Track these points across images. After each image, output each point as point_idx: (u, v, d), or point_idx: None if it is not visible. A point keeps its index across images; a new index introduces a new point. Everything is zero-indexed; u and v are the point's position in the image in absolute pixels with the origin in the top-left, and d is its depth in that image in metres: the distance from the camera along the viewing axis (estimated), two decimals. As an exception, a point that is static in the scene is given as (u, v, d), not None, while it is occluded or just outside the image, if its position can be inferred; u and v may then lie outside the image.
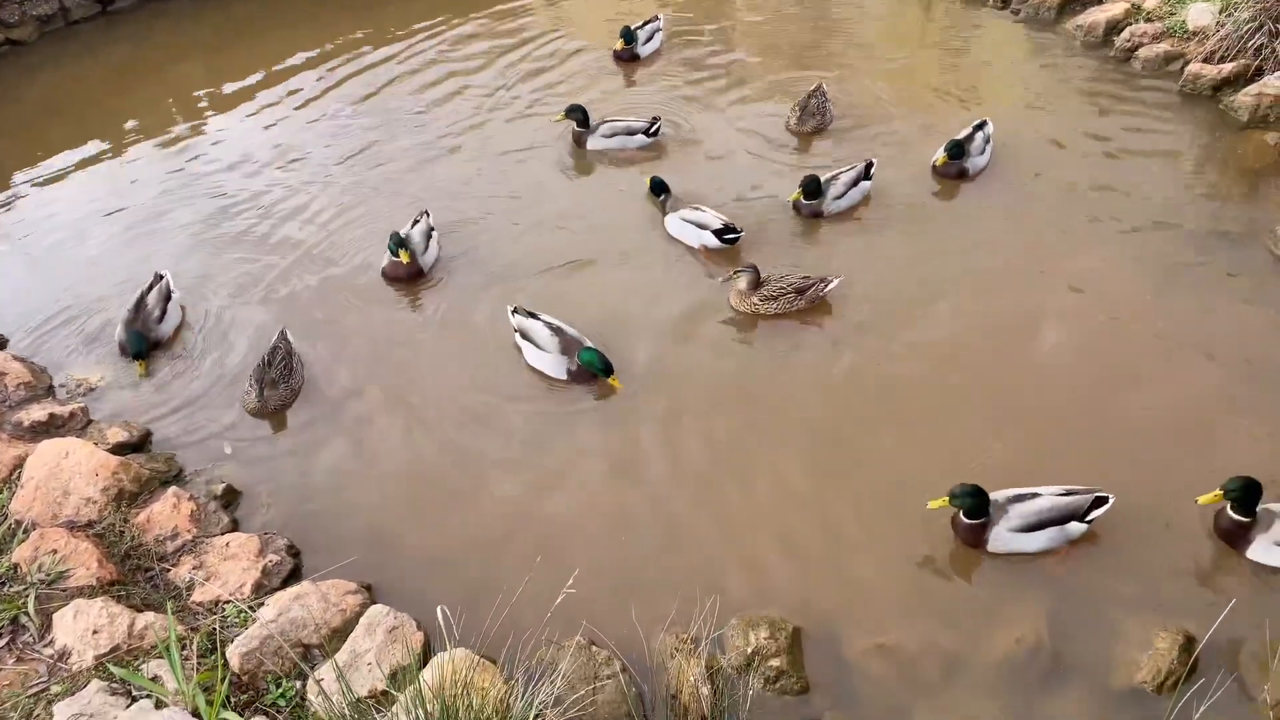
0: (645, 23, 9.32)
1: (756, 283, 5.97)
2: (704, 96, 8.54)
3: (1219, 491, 4.38)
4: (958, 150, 7.05)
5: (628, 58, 9.09)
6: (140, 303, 6.07)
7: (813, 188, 6.72)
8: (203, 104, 9.10)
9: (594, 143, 7.81)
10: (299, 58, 9.73)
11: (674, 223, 6.72)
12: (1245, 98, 7.60)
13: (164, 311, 6.12)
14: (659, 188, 6.95)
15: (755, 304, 5.95)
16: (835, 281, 5.99)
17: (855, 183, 6.89)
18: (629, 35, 9.05)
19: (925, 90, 8.45)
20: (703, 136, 7.95)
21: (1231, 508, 4.41)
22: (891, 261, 6.43)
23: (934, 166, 7.24)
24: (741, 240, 6.55)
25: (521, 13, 10.45)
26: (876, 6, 10.14)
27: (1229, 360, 5.44)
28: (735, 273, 5.98)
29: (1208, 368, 5.41)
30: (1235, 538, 4.42)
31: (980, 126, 7.33)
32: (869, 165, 7.00)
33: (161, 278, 6.26)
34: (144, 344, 5.88)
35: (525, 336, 5.68)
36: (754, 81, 8.72)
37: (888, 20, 9.87)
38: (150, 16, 10.67)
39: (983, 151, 7.20)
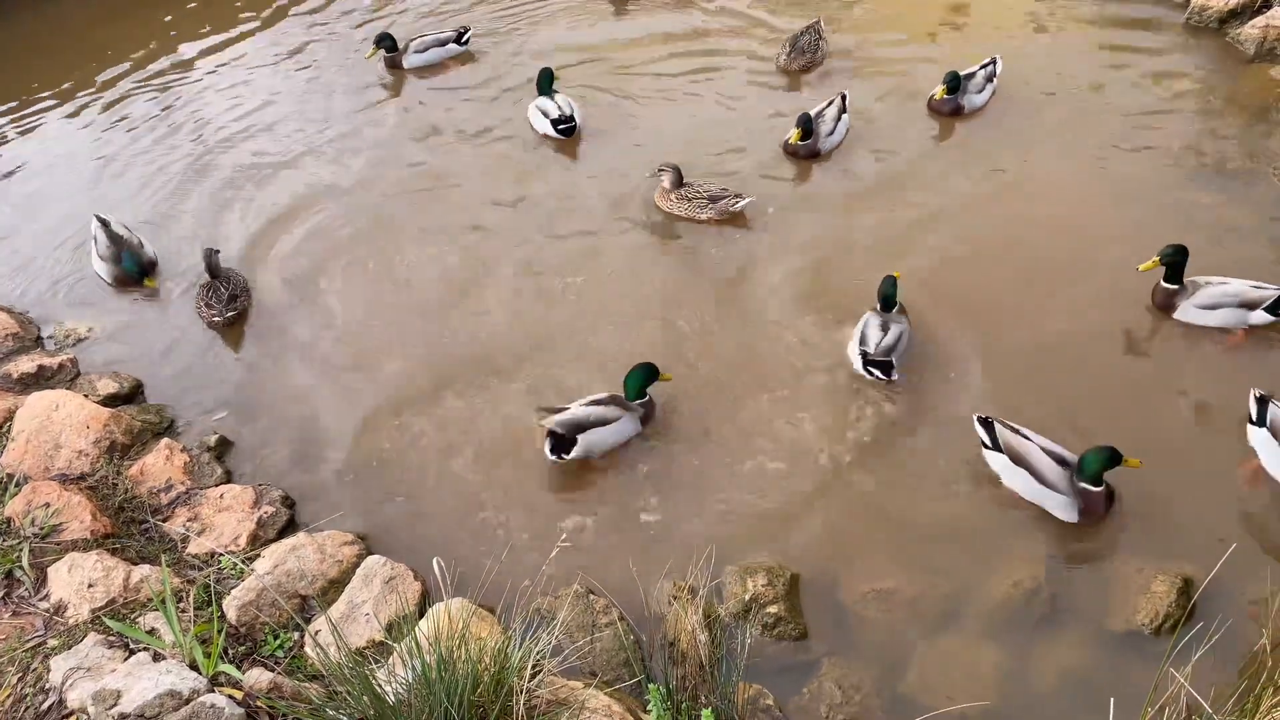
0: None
1: (679, 183, 6.29)
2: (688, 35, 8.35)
3: (1156, 258, 5.17)
4: (955, 83, 6.89)
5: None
6: (113, 236, 6.01)
7: (808, 126, 6.58)
8: (185, 44, 8.89)
9: (410, 60, 8.10)
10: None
11: (530, 110, 7.27)
12: (1252, 30, 7.42)
13: (141, 241, 6.12)
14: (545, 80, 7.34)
15: (672, 203, 6.31)
16: (748, 200, 6.22)
17: (839, 117, 6.79)
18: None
19: (927, 21, 8.25)
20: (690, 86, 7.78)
21: (1165, 277, 5.19)
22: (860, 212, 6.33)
23: (929, 102, 7.09)
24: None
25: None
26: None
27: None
28: (659, 169, 6.34)
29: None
30: (1167, 305, 5.22)
31: (988, 65, 7.14)
32: (843, 98, 6.92)
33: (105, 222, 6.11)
34: (141, 263, 5.95)
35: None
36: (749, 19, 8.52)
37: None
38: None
39: (981, 90, 7.03)
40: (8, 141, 7.70)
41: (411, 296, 5.85)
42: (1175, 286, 5.21)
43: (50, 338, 5.66)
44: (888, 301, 5.21)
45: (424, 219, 6.46)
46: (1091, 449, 4.27)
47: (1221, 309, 5.13)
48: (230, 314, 5.70)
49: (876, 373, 4.99)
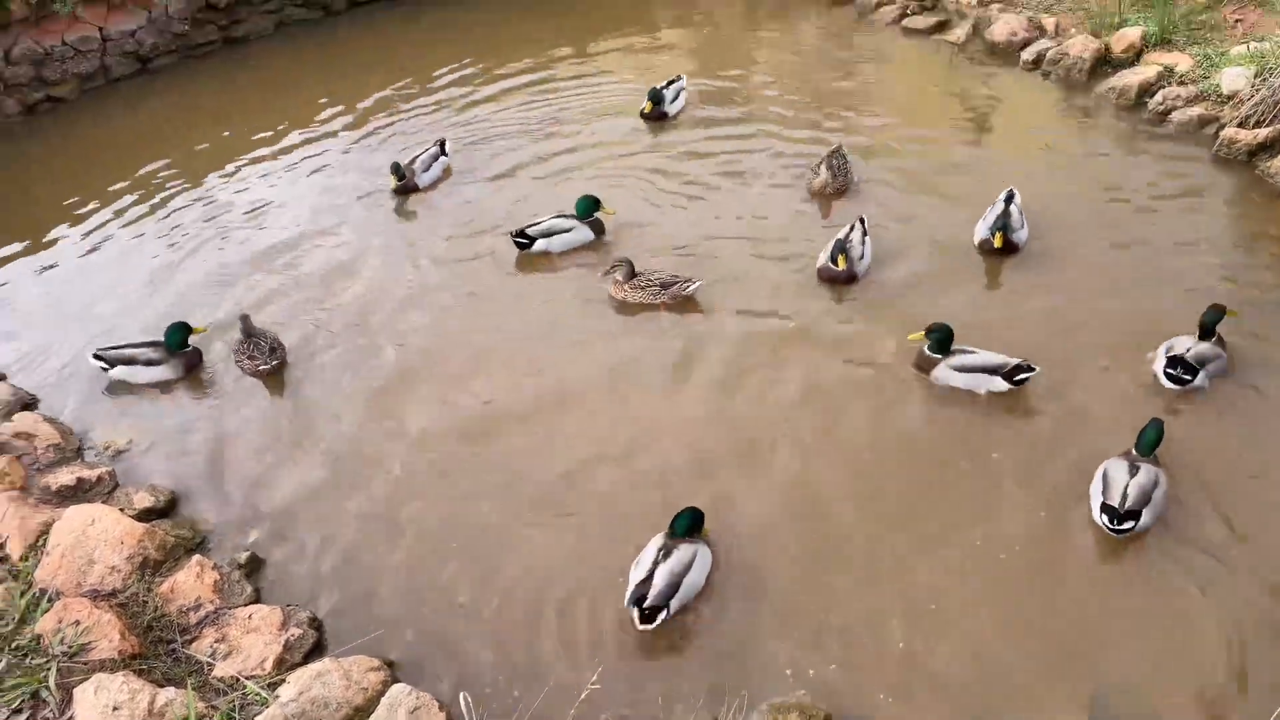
0: (670, 82, 9.41)
1: (631, 275, 6.76)
2: (727, 156, 8.56)
3: (921, 332, 5.85)
4: (1004, 226, 6.87)
5: (656, 117, 9.15)
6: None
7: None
8: (231, 156, 9.25)
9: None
10: (327, 113, 9.88)
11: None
12: (1282, 163, 7.52)
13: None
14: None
15: (626, 293, 6.75)
16: (698, 284, 6.69)
17: (864, 240, 6.91)
18: (656, 96, 9.13)
19: (950, 150, 8.41)
20: (727, 198, 7.95)
21: (929, 347, 5.85)
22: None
23: (983, 246, 6.99)
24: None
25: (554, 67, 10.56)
26: (900, 64, 10.16)
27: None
28: (613, 266, 6.82)
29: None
30: (924, 368, 5.88)
31: (1010, 199, 7.17)
32: (862, 221, 7.07)
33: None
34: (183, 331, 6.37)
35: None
36: (776, 140, 8.75)
37: (911, 79, 9.88)
38: (187, 74, 10.89)
39: (1022, 225, 7.04)
40: (63, 241, 8.00)
41: (455, 420, 5.89)
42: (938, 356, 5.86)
43: (90, 448, 5.75)
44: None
45: (482, 338, 6.57)
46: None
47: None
48: (273, 363, 6.26)
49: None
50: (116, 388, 6.32)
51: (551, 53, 10.93)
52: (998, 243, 6.85)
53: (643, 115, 9.15)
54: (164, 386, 6.30)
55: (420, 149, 8.68)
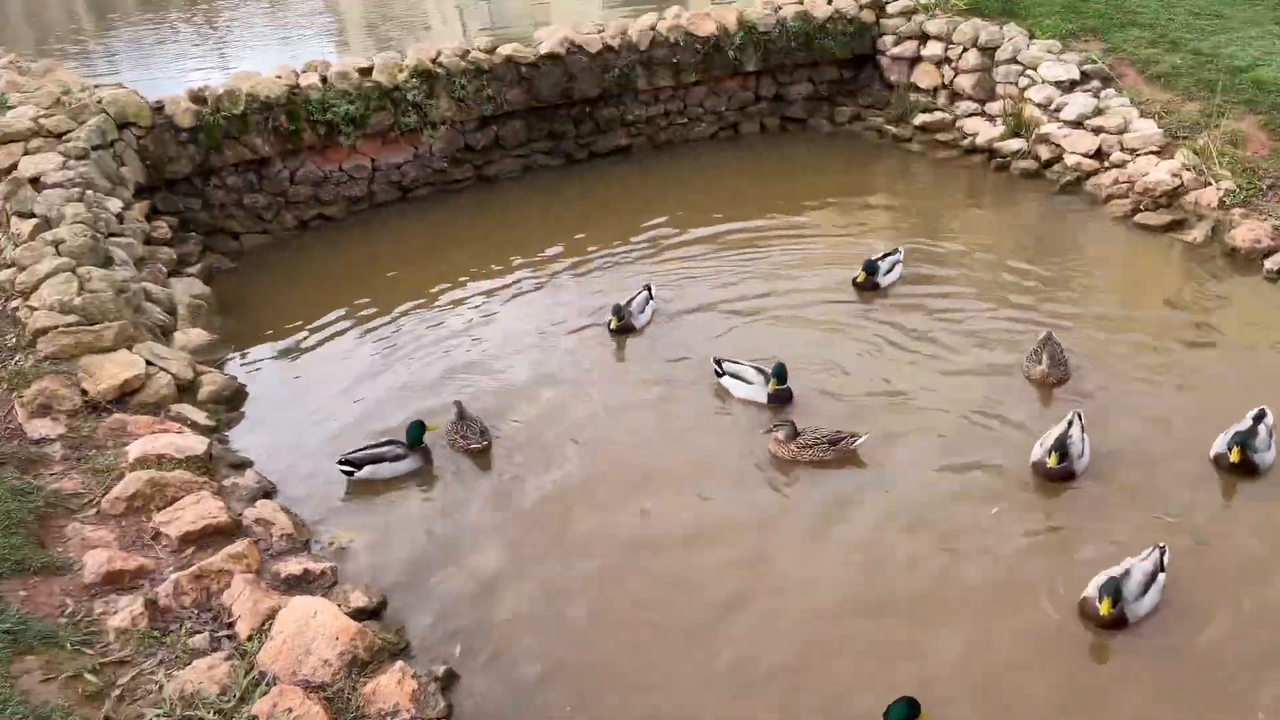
0: (886, 254, 9.56)
1: (793, 435, 6.86)
2: (932, 323, 8.57)
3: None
4: (1244, 443, 6.41)
5: (869, 287, 9.28)
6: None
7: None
8: (473, 284, 10.04)
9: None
10: (553, 250, 10.61)
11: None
12: None
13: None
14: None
15: (793, 452, 6.84)
16: (864, 437, 6.83)
17: (1083, 437, 6.64)
18: (871, 268, 9.30)
19: (1175, 354, 8.02)
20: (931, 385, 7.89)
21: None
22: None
23: (1220, 461, 6.51)
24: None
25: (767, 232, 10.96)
26: (1127, 258, 9.89)
27: None
28: (775, 425, 6.97)
29: None
30: None
31: (1260, 418, 6.66)
32: (1079, 415, 6.82)
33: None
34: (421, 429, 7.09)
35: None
36: (985, 315, 8.70)
37: (1138, 274, 9.58)
38: (440, 204, 12.03)
39: (1269, 447, 6.49)
40: (311, 350, 8.85)
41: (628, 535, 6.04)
42: None
43: (317, 542, 6.21)
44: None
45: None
46: None
47: None
48: (485, 443, 7.18)
49: None
50: (347, 486, 6.85)
51: (767, 207, 11.38)
52: (1235, 458, 6.44)
53: (855, 284, 9.30)
54: (391, 487, 6.83)
55: (632, 293, 9.13)
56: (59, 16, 20.98)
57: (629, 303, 8.88)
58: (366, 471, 6.87)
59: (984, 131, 12.33)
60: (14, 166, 9.10)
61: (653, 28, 12.87)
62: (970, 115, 12.71)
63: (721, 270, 9.91)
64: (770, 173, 12.67)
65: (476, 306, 9.56)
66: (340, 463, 6.89)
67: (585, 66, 12.48)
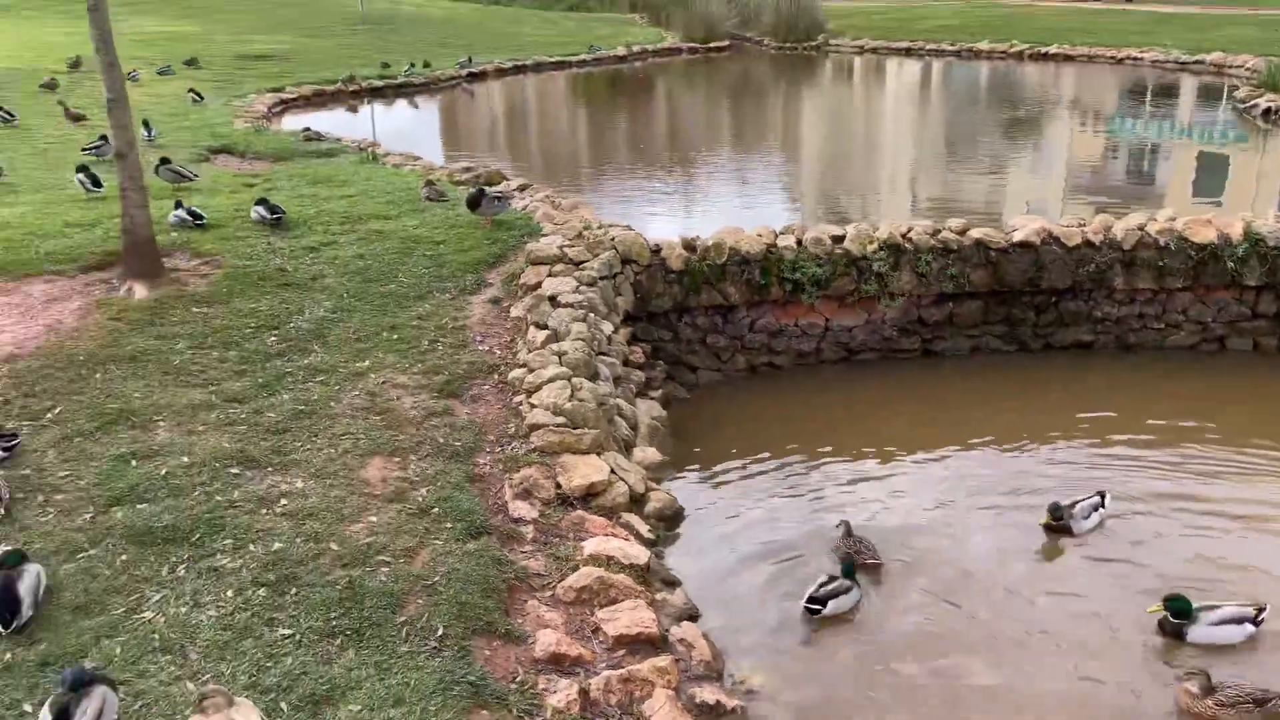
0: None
1: (1209, 688, 6.13)
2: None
3: None
4: None
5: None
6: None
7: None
8: (900, 450, 10.05)
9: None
10: (983, 437, 10.25)
11: None
12: None
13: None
14: None
15: (1209, 707, 6.10)
16: None
17: None
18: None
19: None
20: None
21: None
22: None
23: None
24: None
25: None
26: None
27: None
28: (1187, 674, 6.26)
29: None
30: None
31: None
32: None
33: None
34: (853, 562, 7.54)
35: None
36: None
37: None
38: (883, 370, 12.27)
39: None
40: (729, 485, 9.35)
41: None
42: None
43: (729, 675, 6.44)
44: None
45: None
46: None
47: None
48: (878, 561, 7.74)
49: None
50: (810, 624, 7.19)
51: (1250, 432, 10.12)
52: None
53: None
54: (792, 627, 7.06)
55: (1078, 495, 8.55)
56: (566, 162, 24.86)
57: (1073, 505, 8.33)
58: (830, 608, 7.17)
59: None
60: (539, 284, 10.84)
61: (1141, 228, 12.28)
62: None
63: (1183, 479, 9.00)
64: (1265, 397, 11.31)
65: (901, 472, 9.60)
66: (809, 602, 7.22)
67: (1058, 258, 12.18)
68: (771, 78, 42.03)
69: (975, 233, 12.31)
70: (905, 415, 11.01)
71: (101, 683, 4.75)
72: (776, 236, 12.31)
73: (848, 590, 7.33)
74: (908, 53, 44.20)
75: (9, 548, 5.98)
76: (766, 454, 10.03)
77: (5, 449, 7.19)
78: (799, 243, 12.16)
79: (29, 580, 5.64)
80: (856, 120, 30.79)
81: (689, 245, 12.03)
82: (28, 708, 4.97)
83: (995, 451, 10.02)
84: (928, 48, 44.14)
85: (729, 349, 12.25)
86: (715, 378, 12.14)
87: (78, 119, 20.89)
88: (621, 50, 44.01)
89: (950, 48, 43.40)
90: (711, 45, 47.70)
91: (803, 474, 9.65)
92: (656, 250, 11.96)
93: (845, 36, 47.35)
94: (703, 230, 12.62)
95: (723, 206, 18.33)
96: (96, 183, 14.08)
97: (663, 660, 6.01)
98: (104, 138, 16.93)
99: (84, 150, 16.96)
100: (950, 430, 10.48)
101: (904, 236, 12.24)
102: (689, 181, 21.38)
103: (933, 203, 19.11)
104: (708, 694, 5.97)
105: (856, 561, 7.68)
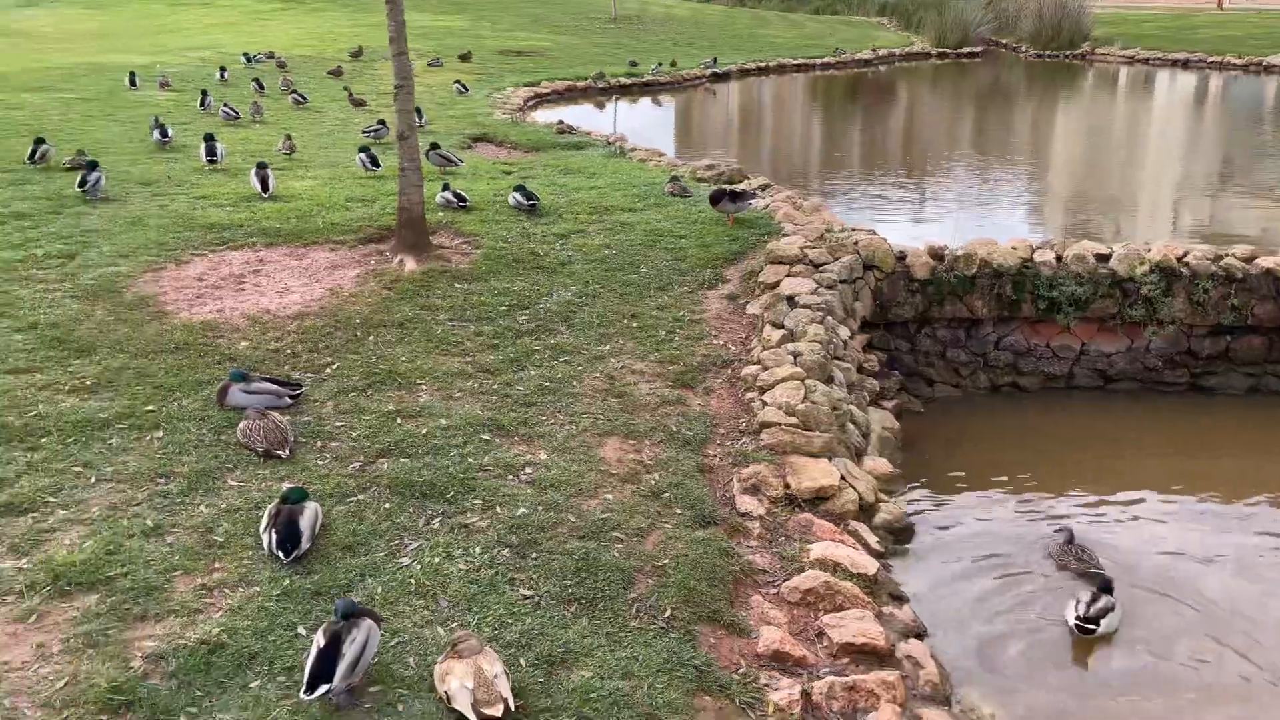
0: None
1: None
2: None
3: None
4: None
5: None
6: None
7: None
8: (1154, 493, 9.27)
9: None
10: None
11: None
12: None
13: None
14: None
15: None
16: None
17: None
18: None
19: None
20: None
21: None
22: None
23: None
24: None
25: None
26: None
27: None
28: None
29: None
30: None
31: None
32: None
33: None
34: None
35: None
36: None
37: None
38: (1142, 403, 11.35)
39: None
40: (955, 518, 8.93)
41: None
42: None
43: (957, 703, 6.18)
44: None
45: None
46: None
47: None
48: (1100, 570, 7.55)
49: None
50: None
51: None
52: None
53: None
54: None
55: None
56: (799, 164, 24.59)
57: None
58: (1102, 626, 6.93)
59: None
60: (778, 284, 10.81)
61: None
62: None
63: None
64: None
65: (1155, 514, 8.89)
66: (1080, 620, 6.99)
67: (1365, 296, 10.84)
68: (1026, 86, 39.86)
69: (1265, 261, 11.14)
70: (1165, 453, 10.14)
71: (368, 616, 5.16)
72: (1034, 250, 11.65)
73: (1113, 608, 7.06)
74: (1184, 65, 40.63)
75: (293, 485, 6.63)
76: (1004, 477, 9.54)
77: (292, 397, 7.97)
78: (1058, 259, 11.45)
79: (308, 516, 6.22)
80: (1117, 134, 28.62)
81: (936, 254, 11.61)
82: (302, 630, 5.49)
83: (1270, 505, 9.02)
84: (1209, 60, 40.36)
85: (970, 365, 11.72)
86: (952, 393, 11.67)
87: (359, 104, 22.84)
88: (867, 54, 43.12)
89: (1237, 61, 39.48)
90: (964, 51, 45.85)
91: (1042, 503, 9.10)
92: (901, 257, 11.63)
93: (1114, 45, 44.11)
94: (936, 239, 12.15)
95: (960, 217, 17.58)
96: (375, 162, 15.33)
97: (890, 675, 5.84)
98: (381, 122, 18.45)
99: (363, 132, 18.52)
100: (1216, 475, 9.57)
101: (1179, 260, 11.26)
102: (925, 189, 20.67)
103: (1199, 227, 17.48)
104: (935, 716, 5.74)
105: (1076, 570, 7.61)
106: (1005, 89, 39.65)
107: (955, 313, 11.57)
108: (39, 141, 15.21)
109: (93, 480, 6.77)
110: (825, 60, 40.99)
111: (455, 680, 4.90)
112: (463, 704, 4.82)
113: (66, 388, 8.03)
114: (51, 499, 6.51)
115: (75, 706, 4.84)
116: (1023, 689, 6.46)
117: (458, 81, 27.11)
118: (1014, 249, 11.61)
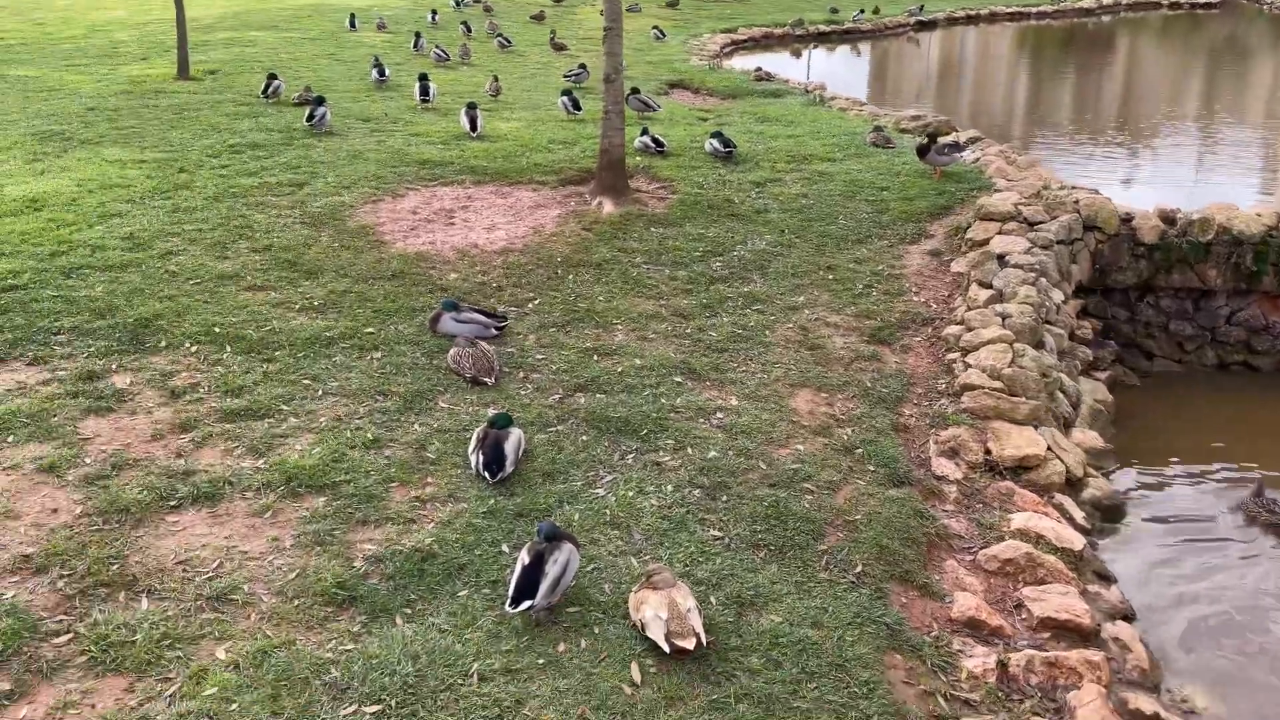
0: None
1: None
2: None
3: None
4: None
5: None
6: None
7: None
8: None
9: None
10: None
11: None
12: None
13: None
14: None
15: None
16: None
17: None
18: None
19: None
20: None
21: None
22: None
23: None
24: None
25: None
26: None
27: None
28: None
29: None
30: None
31: None
32: None
33: None
34: None
35: None
36: None
37: None
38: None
39: None
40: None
41: None
42: None
43: (1167, 690, 5.81)
44: None
45: None
46: None
47: None
48: None
49: None
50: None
51: None
52: None
53: None
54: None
55: None
56: (1000, 117, 23.09)
57: None
58: None
59: None
60: (987, 241, 10.29)
61: None
62: None
63: None
64: None
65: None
66: None
67: None
68: (1269, 42, 35.95)
69: None
70: None
71: (569, 540, 5.34)
72: (1280, 218, 10.59)
73: None
74: None
75: (498, 411, 6.91)
76: (1227, 464, 8.78)
77: (498, 328, 8.29)
78: (1310, 229, 10.36)
79: (513, 441, 6.47)
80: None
81: (1167, 217, 10.72)
82: (505, 548, 5.74)
83: None
84: None
85: (1196, 339, 10.82)
86: (1173, 368, 10.83)
87: (560, 48, 23.23)
88: (1089, 2, 40.05)
89: None
90: (1199, 1, 41.81)
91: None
92: (1126, 219, 10.81)
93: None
94: (1147, 202, 11.18)
95: (1177, 178, 16.14)
96: (577, 105, 15.57)
97: (1095, 655, 5.54)
98: (582, 66, 18.70)
99: (565, 76, 18.84)
100: None
101: None
102: (1142, 150, 19.05)
103: None
104: (1144, 703, 5.41)
105: (1266, 522, 7.36)
106: (1241, 44, 35.92)
107: (1184, 282, 10.68)
108: (271, 77, 16.31)
109: (320, 393, 7.29)
110: (1042, 9, 38.37)
111: (650, 610, 5.01)
112: (656, 633, 4.92)
113: (297, 306, 8.66)
114: (285, 407, 7.06)
115: (304, 597, 5.26)
116: (1239, 687, 5.98)
117: (655, 27, 27.10)
118: (1259, 215, 10.57)
